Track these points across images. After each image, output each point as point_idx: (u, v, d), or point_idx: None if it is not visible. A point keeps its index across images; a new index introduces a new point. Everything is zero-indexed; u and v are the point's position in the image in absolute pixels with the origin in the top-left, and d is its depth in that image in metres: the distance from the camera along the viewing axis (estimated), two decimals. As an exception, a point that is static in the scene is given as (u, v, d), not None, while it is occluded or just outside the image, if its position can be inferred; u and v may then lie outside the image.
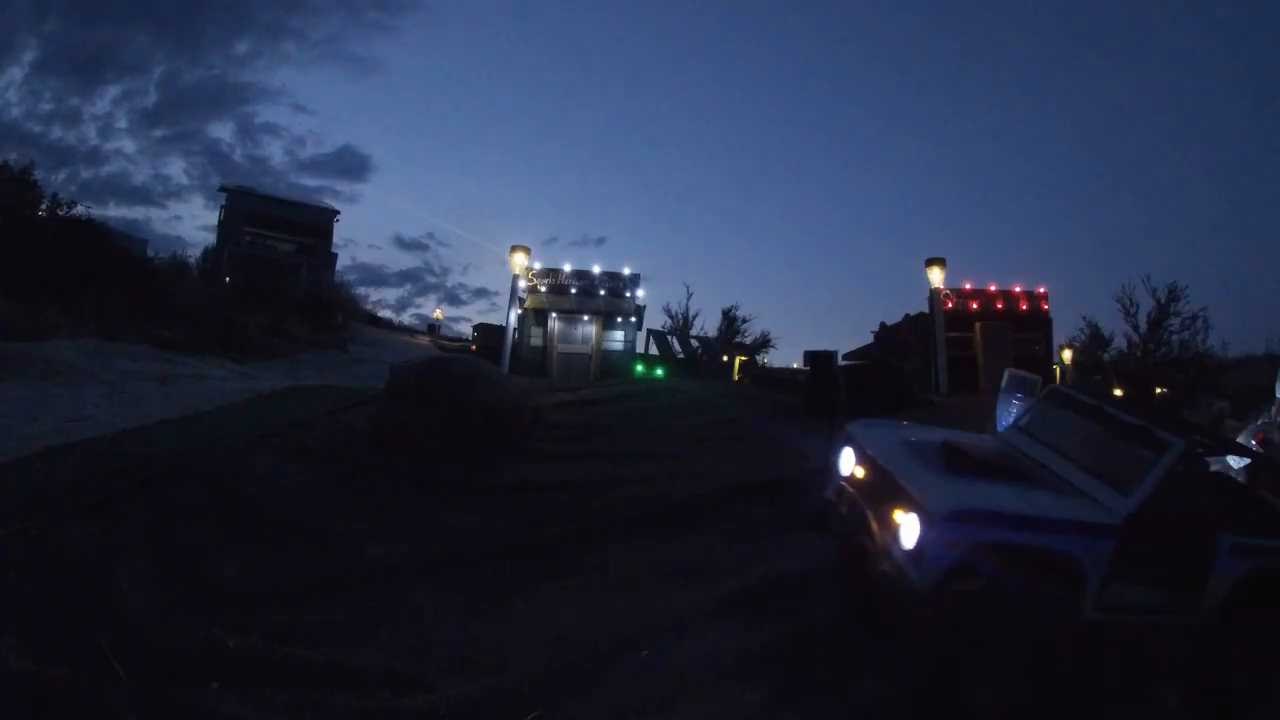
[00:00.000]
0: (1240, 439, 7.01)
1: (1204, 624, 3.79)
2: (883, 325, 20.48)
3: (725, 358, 20.99)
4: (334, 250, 33.10)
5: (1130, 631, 3.76)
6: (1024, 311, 17.13)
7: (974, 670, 3.37)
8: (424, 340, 31.91)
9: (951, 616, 3.35)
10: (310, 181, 78.48)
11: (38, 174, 18.86)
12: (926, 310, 17.25)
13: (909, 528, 3.47)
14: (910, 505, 3.54)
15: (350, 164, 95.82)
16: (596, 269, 18.12)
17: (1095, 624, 3.61)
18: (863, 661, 3.89)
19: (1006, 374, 6.44)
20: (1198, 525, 3.77)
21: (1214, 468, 7.02)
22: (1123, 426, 4.12)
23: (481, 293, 74.73)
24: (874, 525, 3.84)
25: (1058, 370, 18.70)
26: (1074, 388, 4.90)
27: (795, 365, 21.90)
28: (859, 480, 4.21)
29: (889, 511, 3.68)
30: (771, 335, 25.73)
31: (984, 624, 3.38)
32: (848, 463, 4.37)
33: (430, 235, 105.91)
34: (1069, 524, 3.50)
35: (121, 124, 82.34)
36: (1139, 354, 21.16)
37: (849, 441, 4.43)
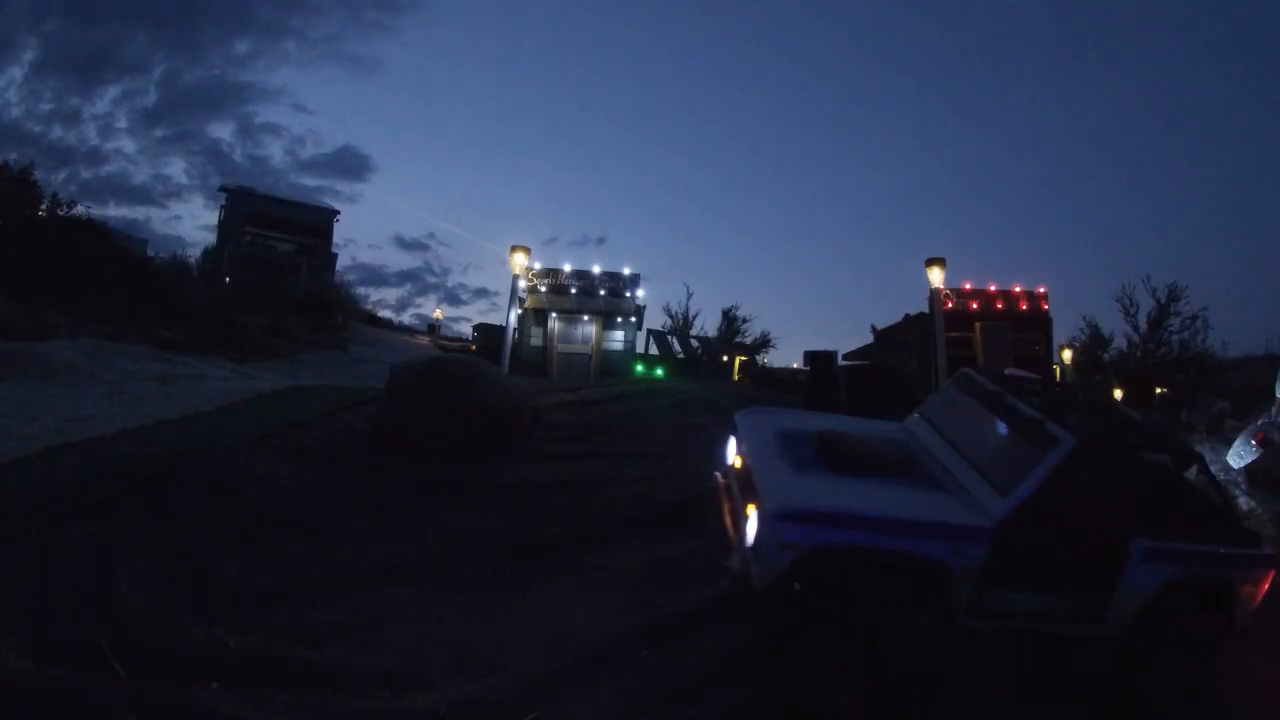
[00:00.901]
0: (1240, 439, 7.02)
1: (1123, 635, 3.60)
2: (873, 328, 20.44)
3: (725, 358, 20.97)
4: (334, 250, 33.10)
5: (1038, 640, 3.60)
6: (1024, 311, 17.11)
7: (809, 672, 3.27)
8: (424, 340, 31.89)
9: (789, 617, 3.28)
10: (310, 181, 78.58)
11: (38, 174, 18.85)
12: (926, 310, 17.23)
13: (751, 524, 3.38)
14: (756, 501, 3.43)
15: (350, 164, 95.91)
16: (596, 269, 18.11)
17: (982, 630, 3.45)
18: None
19: (1006, 374, 6.42)
20: (1106, 528, 3.54)
21: (1214, 467, 7.05)
22: (1019, 418, 3.82)
23: (481, 293, 74.80)
24: (729, 520, 3.77)
25: (1058, 370, 18.69)
26: (981, 371, 4.54)
27: (795, 365, 21.90)
28: (735, 471, 4.07)
29: (744, 506, 3.56)
30: (771, 335, 25.73)
31: (823, 626, 3.29)
32: (730, 453, 4.23)
33: (430, 235, 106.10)
34: (932, 527, 3.31)
35: (121, 124, 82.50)
36: (1139, 354, 21.15)
37: (733, 430, 4.28)
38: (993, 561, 3.35)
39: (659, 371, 17.41)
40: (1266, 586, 3.73)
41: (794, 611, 3.28)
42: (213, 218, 35.43)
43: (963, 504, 3.50)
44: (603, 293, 18.00)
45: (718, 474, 3.70)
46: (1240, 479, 6.82)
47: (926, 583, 3.34)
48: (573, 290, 17.83)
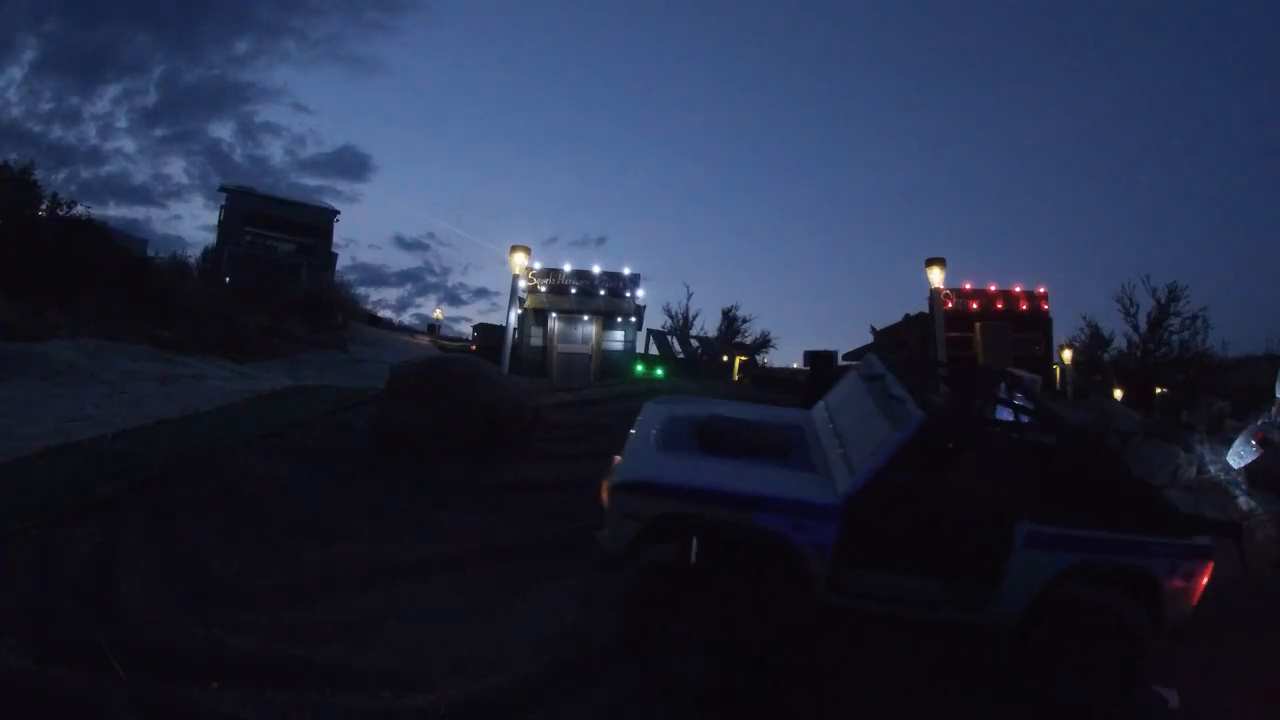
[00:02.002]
0: (1240, 439, 7.02)
1: (1021, 626, 3.47)
2: (873, 329, 20.45)
3: (725, 358, 20.97)
4: (334, 250, 33.07)
5: (928, 625, 3.53)
6: (1024, 311, 17.12)
7: (660, 641, 3.38)
8: (424, 340, 31.88)
9: (639, 587, 3.42)
10: (310, 181, 78.64)
11: (38, 174, 18.87)
12: (926, 310, 17.23)
13: (604, 497, 3.53)
14: (609, 476, 3.59)
15: (350, 164, 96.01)
16: (596, 269, 18.12)
17: (848, 608, 3.44)
18: (859, 662, 3.88)
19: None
20: (986, 511, 3.50)
21: (1214, 467, 7.06)
22: (887, 399, 3.81)
23: (482, 293, 74.83)
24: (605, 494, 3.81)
25: (1058, 370, 18.70)
26: (878, 356, 4.43)
27: (795, 365, 21.89)
28: None
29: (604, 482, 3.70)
30: (771, 335, 25.75)
31: (668, 596, 3.39)
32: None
33: (430, 235, 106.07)
34: (771, 502, 3.35)
35: (121, 124, 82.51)
36: (1139, 354, 21.16)
37: (640, 414, 4.44)
38: (845, 539, 3.35)
39: (659, 371, 17.40)
40: (1203, 579, 3.47)
41: (647, 582, 3.43)
42: (213, 218, 35.43)
43: (817, 483, 3.52)
44: (603, 293, 18.00)
45: (616, 457, 3.92)
46: (1240, 479, 6.82)
47: (771, 558, 3.38)
48: (573, 290, 17.83)
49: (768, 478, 3.55)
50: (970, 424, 4.21)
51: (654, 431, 4.04)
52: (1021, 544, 3.38)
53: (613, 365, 17.49)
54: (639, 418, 4.34)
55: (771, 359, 24.92)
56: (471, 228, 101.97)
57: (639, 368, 17.59)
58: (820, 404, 4.64)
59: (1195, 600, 3.50)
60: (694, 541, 3.51)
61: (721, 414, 4.24)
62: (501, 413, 7.96)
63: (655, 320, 22.48)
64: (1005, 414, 6.25)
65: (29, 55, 55.91)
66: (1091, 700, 3.47)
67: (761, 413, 4.62)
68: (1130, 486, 3.77)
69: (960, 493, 3.62)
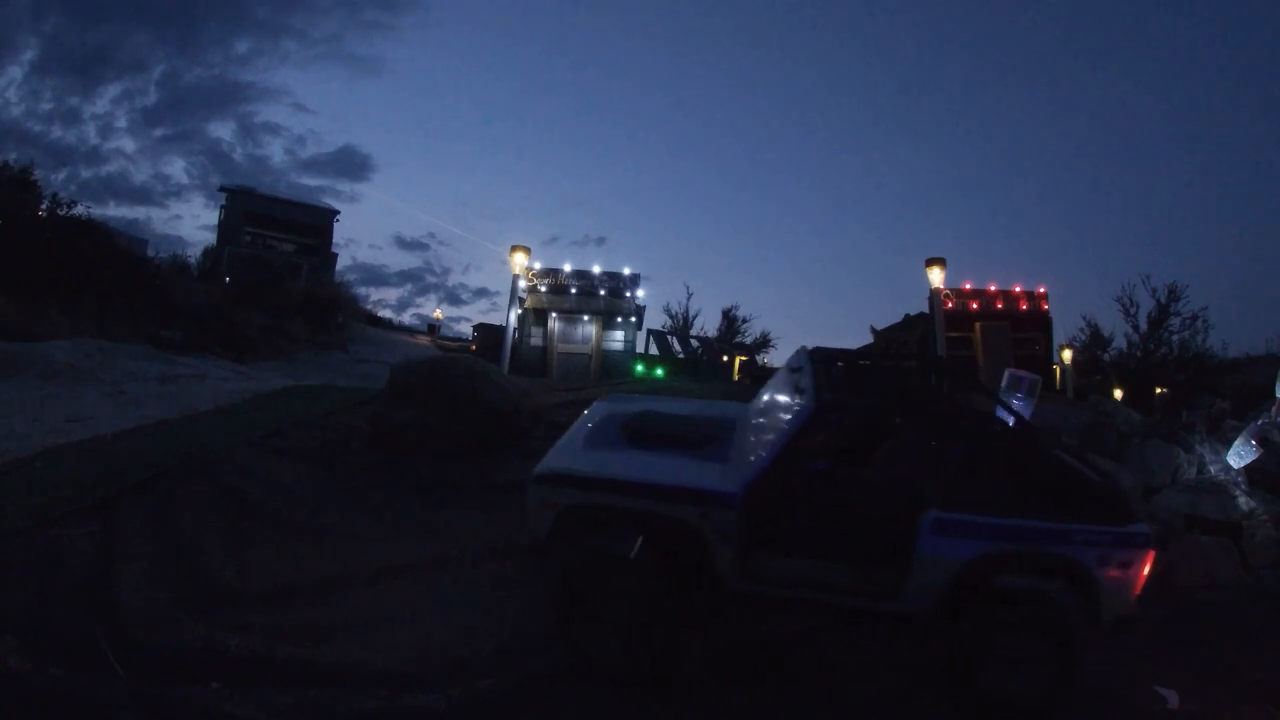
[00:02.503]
0: (1240, 439, 7.02)
1: (939, 615, 3.43)
2: (873, 329, 20.47)
3: (725, 357, 20.99)
4: (334, 250, 33.12)
5: (843, 612, 3.54)
6: (1024, 311, 17.10)
7: (581, 625, 3.55)
8: (424, 340, 31.90)
9: (559, 573, 3.58)
10: (310, 181, 78.78)
11: (38, 174, 18.91)
12: (926, 310, 17.24)
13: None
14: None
15: (350, 164, 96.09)
16: (596, 269, 18.12)
17: (757, 594, 3.53)
18: (860, 662, 3.88)
19: (1006, 374, 6.43)
20: (892, 499, 3.54)
21: (1214, 467, 7.06)
22: (797, 389, 3.90)
23: (482, 293, 74.96)
24: None
25: (1058, 370, 18.69)
26: (814, 350, 4.42)
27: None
28: None
29: None
30: (771, 335, 25.78)
31: (585, 581, 3.53)
32: None
33: (431, 235, 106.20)
34: (676, 491, 3.50)
35: (121, 123, 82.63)
36: (1139, 354, 21.17)
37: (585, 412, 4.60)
38: (748, 526, 3.45)
39: (659, 371, 17.41)
40: (1143, 570, 3.36)
41: (565, 568, 3.57)
42: (213, 217, 35.51)
43: (724, 472, 3.62)
44: (603, 293, 18.00)
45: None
46: (1240, 479, 6.82)
47: (681, 544, 3.50)
48: (573, 290, 17.83)
49: (678, 468, 3.68)
50: (882, 412, 4.23)
51: (587, 427, 4.24)
52: (928, 532, 3.37)
53: (613, 365, 17.49)
54: (583, 415, 4.52)
55: (771, 359, 24.95)
56: (471, 228, 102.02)
57: (639, 368, 17.59)
58: (756, 396, 4.71)
59: (1137, 591, 3.39)
60: (608, 529, 3.64)
61: (654, 410, 4.38)
62: (502, 413, 7.96)
63: (655, 320, 22.54)
64: (1005, 415, 6.26)
65: (29, 55, 56.01)
66: (1026, 692, 3.36)
67: (702, 408, 4.72)
68: (1067, 476, 3.66)
69: (867, 481, 3.70)
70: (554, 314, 17.70)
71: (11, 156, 20.66)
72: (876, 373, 4.67)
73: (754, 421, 4.19)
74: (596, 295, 18.01)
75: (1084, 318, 23.27)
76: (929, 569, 3.38)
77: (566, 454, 3.96)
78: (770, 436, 3.64)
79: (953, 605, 3.39)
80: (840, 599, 3.51)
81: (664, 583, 3.46)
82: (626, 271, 18.30)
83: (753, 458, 3.61)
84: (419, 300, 78.28)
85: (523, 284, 17.11)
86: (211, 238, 31.50)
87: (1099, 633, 3.45)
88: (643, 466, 3.71)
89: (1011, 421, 4.11)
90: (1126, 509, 3.50)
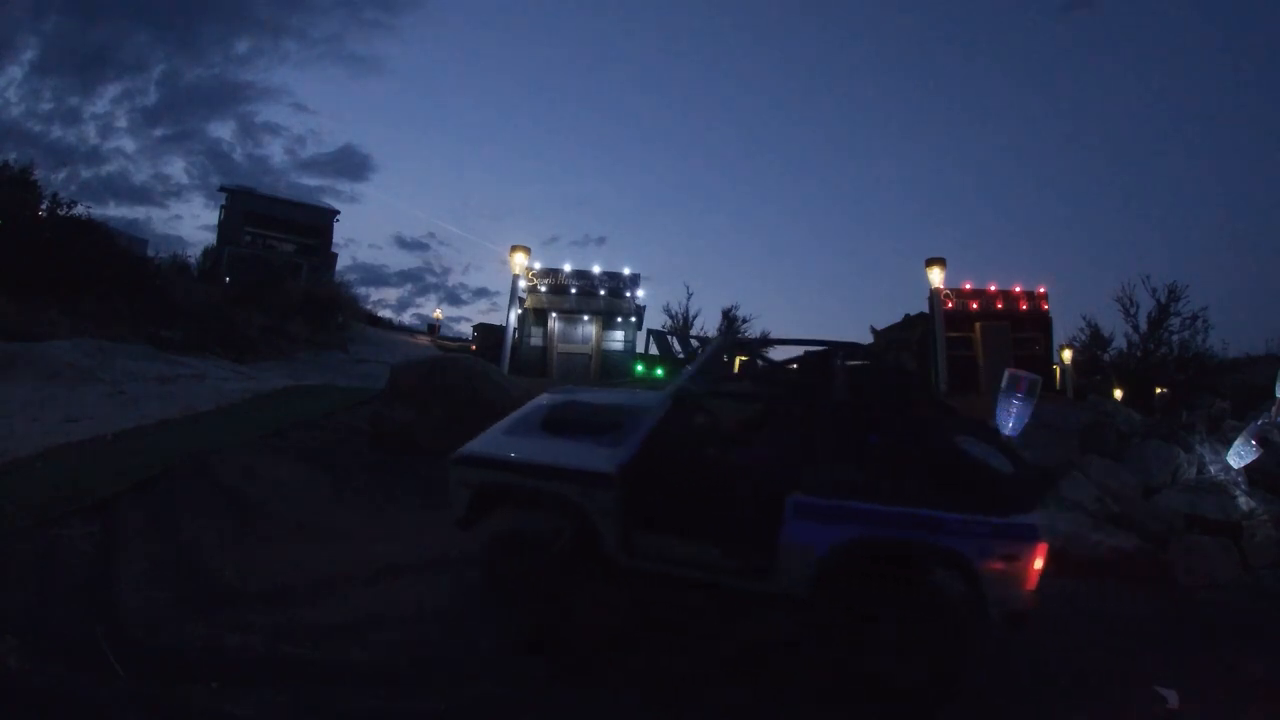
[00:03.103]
0: (1240, 439, 7.02)
1: (811, 598, 3.44)
2: (873, 329, 20.46)
3: (725, 357, 20.98)
4: (334, 250, 33.16)
5: (724, 592, 3.63)
6: (1024, 311, 17.09)
7: (506, 600, 3.87)
8: (424, 340, 31.91)
9: (482, 550, 3.91)
10: (311, 181, 78.90)
11: (38, 174, 18.93)
12: (926, 310, 17.24)
13: None
14: None
15: (351, 163, 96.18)
16: (596, 269, 18.11)
17: (642, 570, 3.69)
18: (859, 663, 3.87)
19: (1006, 374, 6.42)
20: (759, 482, 3.62)
21: (1214, 467, 7.06)
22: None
23: (482, 293, 75.04)
24: None
25: (1058, 370, 18.69)
26: (734, 339, 4.71)
27: (795, 365, 21.86)
28: None
29: None
30: (771, 335, 25.77)
31: (499, 557, 3.89)
32: None
33: (431, 235, 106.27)
34: (565, 472, 3.75)
35: (121, 123, 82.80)
36: (1139, 354, 21.16)
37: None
38: (626, 506, 3.64)
39: (659, 371, 17.39)
40: (1033, 564, 3.25)
41: (487, 545, 3.93)
42: (213, 217, 35.57)
43: (611, 455, 3.76)
44: (603, 293, 17.99)
45: None
46: (1240, 479, 6.82)
47: (571, 521, 3.75)
48: (573, 290, 17.83)
49: (570, 451, 3.87)
50: (757, 398, 4.47)
51: (515, 416, 4.44)
52: (791, 515, 3.41)
53: (613, 365, 17.49)
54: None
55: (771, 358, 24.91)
56: (471, 228, 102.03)
57: (639, 368, 17.57)
58: None
59: (1029, 585, 3.27)
60: (516, 508, 3.95)
61: (578, 399, 4.55)
62: (502, 413, 7.96)
63: (655, 320, 22.54)
64: (1005, 415, 6.27)
65: (29, 55, 56.02)
66: (906, 683, 3.32)
67: (627, 398, 4.85)
68: (960, 464, 3.56)
69: (732, 464, 3.86)
70: (554, 314, 17.69)
71: (11, 156, 20.71)
72: (787, 363, 4.84)
73: (659, 409, 4.34)
74: (596, 295, 18.00)
75: (1084, 318, 23.28)
76: (795, 552, 3.42)
77: (486, 439, 4.21)
78: (647, 421, 3.88)
79: (830, 589, 3.38)
80: (720, 578, 3.61)
81: (561, 558, 3.71)
82: (626, 271, 18.30)
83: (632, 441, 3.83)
84: (419, 300, 78.47)
85: (523, 284, 17.11)
86: (211, 238, 31.56)
87: (990, 627, 3.37)
88: (541, 450, 3.93)
89: (913, 410, 4.10)
90: (1018, 500, 3.38)
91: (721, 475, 3.80)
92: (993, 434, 3.92)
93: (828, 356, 4.22)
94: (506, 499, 3.95)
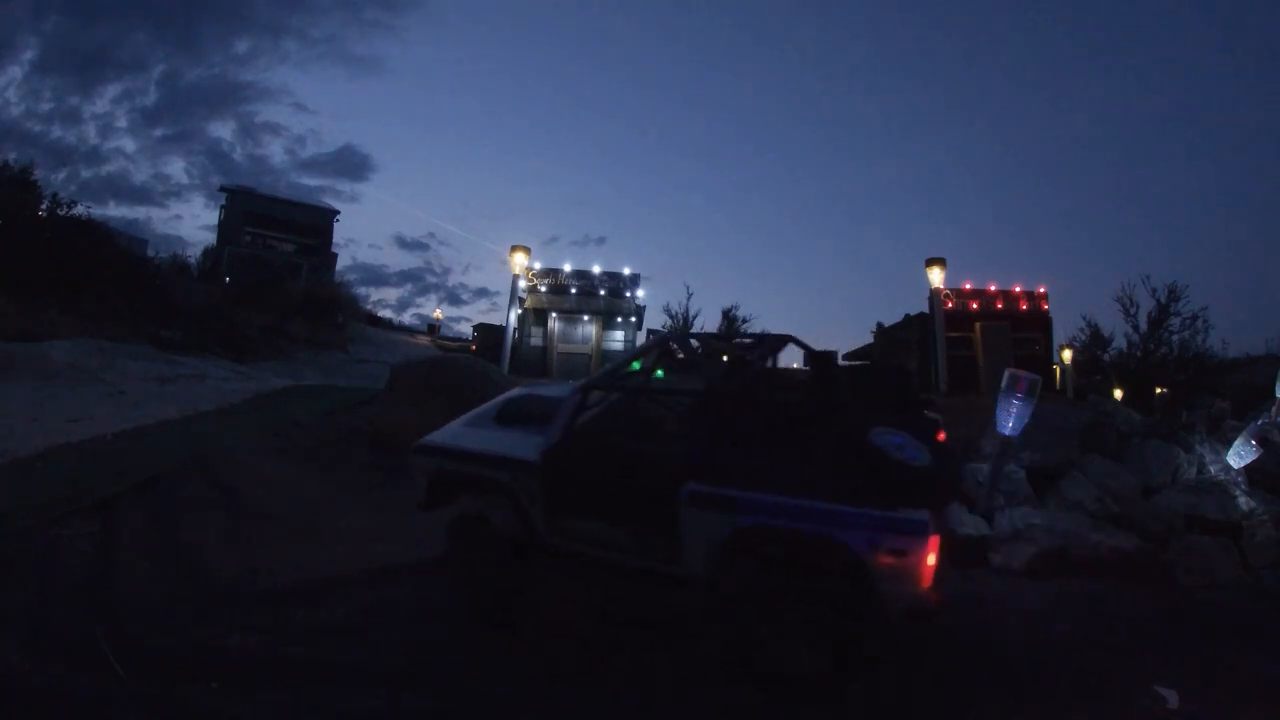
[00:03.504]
0: (1240, 439, 7.01)
1: (707, 580, 3.53)
2: (879, 325, 20.50)
3: (725, 357, 20.97)
4: (334, 250, 33.14)
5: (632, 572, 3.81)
6: (1024, 311, 17.12)
7: (456, 576, 4.33)
8: (424, 340, 31.91)
9: (447, 531, 4.28)
10: (311, 181, 78.90)
11: (38, 174, 18.91)
12: (926, 310, 17.25)
13: None
14: None
15: (351, 163, 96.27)
16: (596, 269, 18.13)
17: (558, 550, 3.98)
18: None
19: (1007, 374, 6.42)
20: (649, 470, 3.75)
21: (1214, 467, 7.05)
22: None
23: (482, 293, 75.15)
24: None
25: (1058, 370, 18.70)
26: (667, 334, 5.06)
27: (795, 365, 21.89)
28: None
29: None
30: (765, 332, 25.76)
31: (454, 539, 4.25)
32: None
33: (431, 235, 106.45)
34: (498, 459, 4.12)
35: (121, 123, 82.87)
36: (1139, 354, 21.12)
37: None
38: (549, 489, 3.93)
39: (659, 371, 17.38)
40: (925, 559, 3.15)
41: (449, 528, 4.28)
42: (213, 217, 35.58)
43: (538, 443, 4.05)
44: (603, 293, 18.01)
45: None
46: (1240, 479, 6.82)
47: (506, 502, 4.08)
48: (573, 290, 17.84)
49: (510, 441, 4.20)
50: (652, 390, 4.82)
51: (477, 410, 4.75)
52: (685, 502, 3.51)
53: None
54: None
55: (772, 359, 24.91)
56: (471, 228, 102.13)
57: (638, 367, 17.56)
58: None
59: (924, 582, 3.16)
60: (469, 493, 4.30)
61: (531, 393, 4.85)
62: (501, 413, 7.97)
63: (655, 320, 22.50)
64: (1005, 415, 6.27)
65: (29, 55, 56.04)
66: (799, 674, 3.33)
67: (561, 392, 5.10)
68: (865, 457, 3.50)
69: (642, 452, 4.07)
70: (554, 314, 17.70)
71: (11, 156, 20.70)
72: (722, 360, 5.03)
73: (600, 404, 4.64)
74: (596, 295, 18.01)
75: (1084, 318, 23.25)
76: (694, 537, 3.52)
77: (445, 431, 4.56)
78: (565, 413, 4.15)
79: (731, 575, 3.45)
80: (633, 560, 3.78)
81: (503, 540, 4.06)
82: (626, 271, 18.31)
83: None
84: (419, 300, 78.46)
85: (523, 284, 17.12)
86: (211, 238, 31.55)
87: (889, 624, 3.31)
88: (487, 440, 4.29)
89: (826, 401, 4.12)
90: (914, 494, 3.30)
91: (628, 463, 3.92)
92: (920, 426, 3.83)
93: (748, 351, 4.55)
94: (458, 485, 4.29)
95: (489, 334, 22.47)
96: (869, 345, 21.56)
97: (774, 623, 3.38)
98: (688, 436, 3.93)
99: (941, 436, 4.02)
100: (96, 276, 16.29)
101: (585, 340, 17.82)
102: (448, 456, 4.32)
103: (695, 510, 3.49)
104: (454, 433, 4.51)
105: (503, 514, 4.08)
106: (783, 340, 4.75)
